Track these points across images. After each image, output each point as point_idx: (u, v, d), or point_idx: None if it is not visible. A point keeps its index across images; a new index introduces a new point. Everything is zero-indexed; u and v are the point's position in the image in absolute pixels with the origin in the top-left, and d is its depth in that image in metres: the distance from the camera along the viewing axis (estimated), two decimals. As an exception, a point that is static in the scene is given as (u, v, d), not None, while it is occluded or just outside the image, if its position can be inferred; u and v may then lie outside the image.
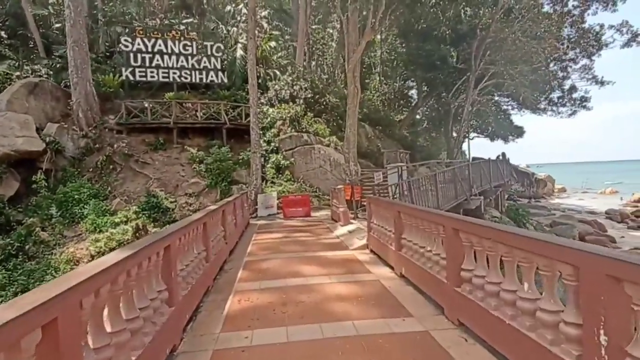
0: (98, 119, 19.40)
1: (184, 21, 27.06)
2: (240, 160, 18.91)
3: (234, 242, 9.18)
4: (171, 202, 16.25)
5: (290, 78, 23.77)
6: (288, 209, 15.23)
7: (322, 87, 26.50)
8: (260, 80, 24.35)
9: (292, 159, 19.56)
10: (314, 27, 36.93)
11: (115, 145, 18.17)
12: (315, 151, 19.80)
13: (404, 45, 34.72)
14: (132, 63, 22.19)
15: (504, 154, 20.06)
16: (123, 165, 17.81)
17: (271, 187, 18.19)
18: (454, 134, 34.15)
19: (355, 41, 16.64)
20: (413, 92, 40.79)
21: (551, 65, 22.86)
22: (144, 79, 22.42)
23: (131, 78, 22.10)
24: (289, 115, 20.78)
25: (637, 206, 35.83)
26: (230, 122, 20.42)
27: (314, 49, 36.56)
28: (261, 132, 20.56)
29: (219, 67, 23.52)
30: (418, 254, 5.31)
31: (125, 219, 14.81)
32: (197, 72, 23.18)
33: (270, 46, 26.44)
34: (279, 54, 28.34)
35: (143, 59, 22.30)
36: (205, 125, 20.28)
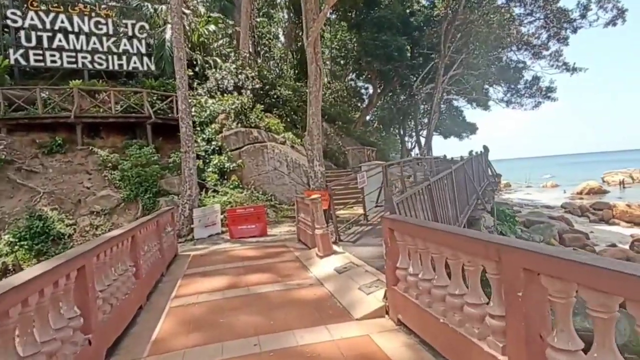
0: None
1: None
2: (171, 165, 14.08)
3: (132, 311, 4.69)
4: (68, 226, 11.10)
5: (234, 66, 19.19)
6: (236, 226, 10.80)
7: (271, 79, 22.18)
8: (197, 69, 19.54)
9: (240, 161, 15.07)
10: (258, 19, 32.51)
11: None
12: (269, 150, 15.45)
13: (354, 40, 31.48)
14: (24, 43, 16.39)
15: (486, 148, 17.10)
16: (-1, 176, 12.26)
17: (213, 197, 13.58)
18: (414, 131, 31.42)
19: (316, 7, 12.59)
20: (367, 89, 37.70)
21: (520, 52, 20.71)
22: (41, 64, 16.66)
23: (23, 62, 16.27)
24: (233, 107, 16.23)
25: (582, 198, 35.46)
26: (157, 116, 15.45)
27: (259, 43, 32.12)
28: (199, 128, 15.83)
29: (143, 51, 18.31)
30: None
31: (-11, 255, 9.52)
32: (115, 57, 17.79)
33: (208, 30, 21.62)
34: (221, 42, 23.55)
35: (39, 38, 16.54)
36: (124, 121, 15.11)
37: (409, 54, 27.41)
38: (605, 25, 16.52)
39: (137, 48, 18.17)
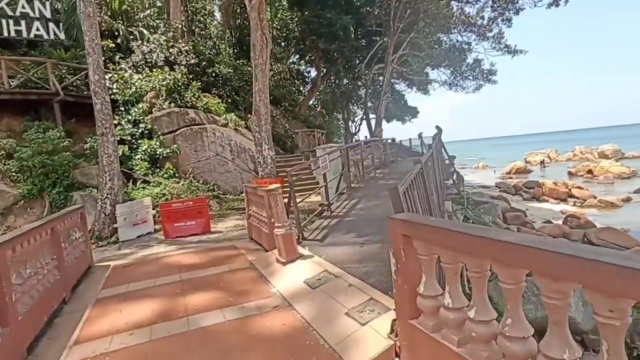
0: None
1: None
2: (88, 152, 11.48)
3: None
4: (-59, 233, 8.33)
5: (164, 38, 16.52)
6: (172, 224, 8.85)
7: (209, 55, 19.68)
8: (120, 40, 16.57)
9: (175, 146, 12.86)
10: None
11: None
12: (209, 133, 13.37)
13: (296, 19, 29.55)
14: None
15: (439, 128, 16.35)
16: None
17: (143, 189, 11.34)
18: (357, 115, 30.56)
19: (260, -36, 10.69)
20: (309, 72, 36.04)
21: (466, 33, 20.40)
22: None
23: None
24: (164, 83, 13.80)
25: (511, 177, 37.44)
26: (67, 93, 12.58)
27: (193, 20, 28.87)
28: (123, 108, 13.25)
29: (48, 15, 14.91)
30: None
31: None
32: (10, 22, 14.29)
33: (132, -4, 18.52)
34: (148, 12, 20.37)
35: None
36: (22, 98, 12.02)
37: (353, 35, 26.24)
38: (548, 6, 16.61)
39: (40, 12, 14.75)
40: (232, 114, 15.34)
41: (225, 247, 7.07)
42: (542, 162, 45.21)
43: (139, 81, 13.85)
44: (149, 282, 5.32)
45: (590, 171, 31.85)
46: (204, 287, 4.87)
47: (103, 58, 13.50)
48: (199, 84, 15.49)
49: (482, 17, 18.62)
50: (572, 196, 24.47)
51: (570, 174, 33.34)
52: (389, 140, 19.47)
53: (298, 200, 6.48)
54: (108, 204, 9.13)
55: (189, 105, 13.88)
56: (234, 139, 13.78)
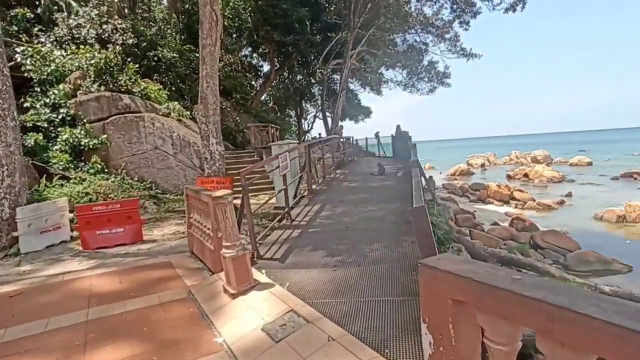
0: None
1: None
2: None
3: None
4: None
5: (97, 12, 14.15)
6: (92, 232, 7.06)
7: (151, 36, 17.40)
8: (41, 10, 13.96)
9: (104, 136, 10.82)
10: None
11: None
12: (147, 123, 11.46)
13: (250, 9, 27.70)
14: None
15: (398, 128, 15.65)
16: None
17: (61, 187, 9.27)
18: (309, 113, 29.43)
19: None
20: (262, 67, 34.23)
21: (424, 33, 20.00)
22: None
23: None
24: (92, 62, 11.62)
25: (456, 179, 38.54)
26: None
27: (136, 1, 25.90)
28: (38, 88, 10.91)
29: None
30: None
31: None
32: None
33: (57, -39, 15.74)
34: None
35: None
36: None
37: (309, 29, 25.04)
38: (505, 10, 16.62)
39: None
40: (176, 102, 13.45)
41: (158, 264, 5.53)
42: (482, 165, 47.31)
43: (61, 58, 11.54)
44: (39, 324, 3.71)
45: (526, 175, 33.55)
46: (118, 335, 3.40)
47: (16, 28, 11.10)
48: (137, 66, 13.41)
49: (441, 19, 18.36)
50: (513, 198, 25.34)
51: (508, 177, 34.90)
52: (348, 139, 18.60)
53: (252, 203, 5.16)
54: (6, 206, 7.09)
55: (123, 89, 11.83)
56: (177, 131, 11.98)
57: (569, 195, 25.82)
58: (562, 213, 22.47)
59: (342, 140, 16.06)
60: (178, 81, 17.49)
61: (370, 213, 6.36)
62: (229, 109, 18.40)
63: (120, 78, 12.00)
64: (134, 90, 12.20)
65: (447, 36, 18.86)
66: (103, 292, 4.51)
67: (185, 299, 4.18)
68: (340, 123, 24.14)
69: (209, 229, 4.78)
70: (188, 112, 13.78)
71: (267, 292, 3.75)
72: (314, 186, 8.25)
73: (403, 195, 7.24)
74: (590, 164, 40.56)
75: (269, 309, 3.40)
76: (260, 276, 4.15)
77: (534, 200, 24.14)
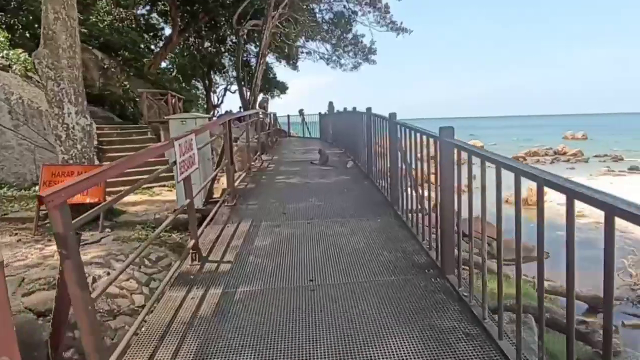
0: None
1: None
2: None
3: None
4: None
5: None
6: None
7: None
8: None
9: None
10: None
11: None
12: (-42, 77, 7.06)
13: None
14: None
15: (331, 103, 13.10)
16: None
17: None
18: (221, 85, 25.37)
19: None
20: (163, 29, 28.45)
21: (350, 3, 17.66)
22: None
23: None
24: None
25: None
26: None
27: None
28: None
29: None
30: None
31: None
32: None
33: None
34: None
35: None
36: None
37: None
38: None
39: None
40: (20, 50, 8.97)
41: None
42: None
43: None
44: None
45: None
46: None
47: None
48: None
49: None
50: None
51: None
52: (274, 116, 15.68)
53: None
54: None
55: None
56: (20, 93, 7.77)
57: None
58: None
59: (267, 116, 13.13)
60: (37, 26, 12.41)
61: (341, 240, 3.70)
62: (113, 69, 13.83)
63: None
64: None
65: (378, 5, 16.92)
66: None
67: None
68: (264, 95, 21.03)
69: None
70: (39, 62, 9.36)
71: None
72: (236, 183, 5.43)
73: (376, 202, 4.90)
74: (482, 147, 44.25)
75: None
76: None
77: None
